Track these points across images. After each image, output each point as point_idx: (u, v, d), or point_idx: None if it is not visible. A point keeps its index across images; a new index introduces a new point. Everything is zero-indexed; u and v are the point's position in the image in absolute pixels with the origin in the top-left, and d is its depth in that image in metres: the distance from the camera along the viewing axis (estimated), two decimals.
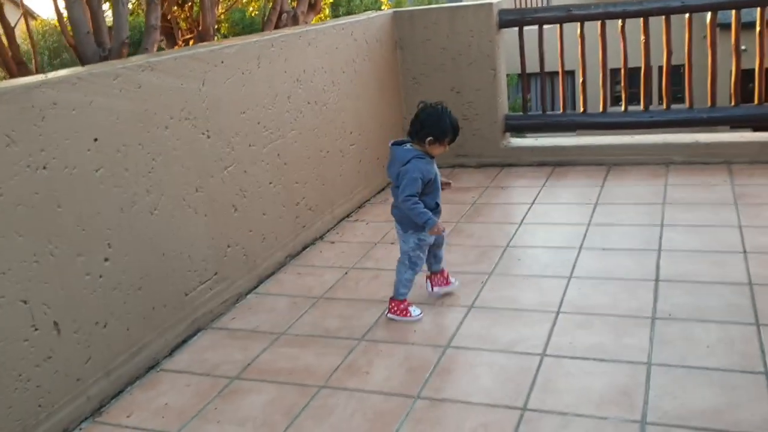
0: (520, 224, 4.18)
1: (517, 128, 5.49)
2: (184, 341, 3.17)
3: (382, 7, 13.79)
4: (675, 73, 5.06)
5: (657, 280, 3.23)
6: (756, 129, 6.18)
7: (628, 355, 2.66)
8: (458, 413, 2.44)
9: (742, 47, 5.59)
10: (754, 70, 4.76)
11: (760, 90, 4.79)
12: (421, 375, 2.70)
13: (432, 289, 3.32)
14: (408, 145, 3.05)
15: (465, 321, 3.09)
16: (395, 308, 3.16)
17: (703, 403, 2.33)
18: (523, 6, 18.34)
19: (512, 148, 5.43)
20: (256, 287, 3.65)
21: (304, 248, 4.12)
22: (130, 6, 9.56)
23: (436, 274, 3.32)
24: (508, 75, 5.68)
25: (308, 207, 4.18)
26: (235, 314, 3.39)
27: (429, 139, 2.97)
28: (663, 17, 4.85)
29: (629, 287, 3.20)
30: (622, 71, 5.07)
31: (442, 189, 3.17)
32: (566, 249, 3.70)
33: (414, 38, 5.36)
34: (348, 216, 4.63)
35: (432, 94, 5.37)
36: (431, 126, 2.97)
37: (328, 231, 4.38)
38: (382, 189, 5.12)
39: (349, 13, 13.13)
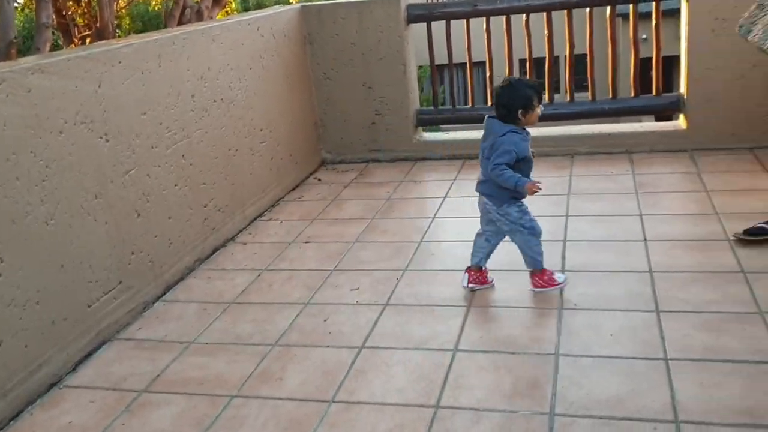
0: (433, 218, 4.21)
1: (428, 122, 5.52)
2: (89, 355, 3.03)
3: (291, 1, 13.57)
4: (580, 62, 5.20)
5: (563, 270, 3.32)
6: (658, 118, 6.45)
7: (537, 347, 2.72)
8: (372, 415, 2.43)
9: (643, 36, 5.82)
10: (652, 59, 4.97)
11: (658, 81, 5.00)
12: (336, 378, 2.68)
13: (468, 284, 3.19)
14: None
15: (380, 319, 3.08)
16: (539, 281, 3.10)
17: (607, 391, 2.41)
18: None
19: (425, 142, 5.46)
20: (163, 294, 3.53)
21: (215, 251, 4.02)
22: (21, 1, 9.04)
23: (477, 270, 3.21)
24: (421, 67, 5.71)
25: (217, 208, 4.07)
26: (142, 324, 3.26)
27: (520, 111, 2.93)
28: (565, 11, 4.98)
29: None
30: (528, 64, 5.18)
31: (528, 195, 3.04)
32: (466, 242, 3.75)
33: (323, 33, 5.31)
34: (261, 215, 4.55)
35: (343, 89, 5.37)
36: (514, 100, 2.93)
37: (239, 232, 4.29)
38: (296, 186, 5.06)
39: (259, 5, 12.85)
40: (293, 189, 5.03)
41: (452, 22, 5.26)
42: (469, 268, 3.21)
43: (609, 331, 2.78)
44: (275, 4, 12.88)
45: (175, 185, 3.68)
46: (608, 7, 4.99)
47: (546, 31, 5.09)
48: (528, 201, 4.25)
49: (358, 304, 3.25)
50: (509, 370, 2.60)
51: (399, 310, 3.15)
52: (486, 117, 3.08)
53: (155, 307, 3.43)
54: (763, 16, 2.43)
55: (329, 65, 5.37)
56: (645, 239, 3.55)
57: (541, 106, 2.99)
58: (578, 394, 2.40)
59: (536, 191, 2.95)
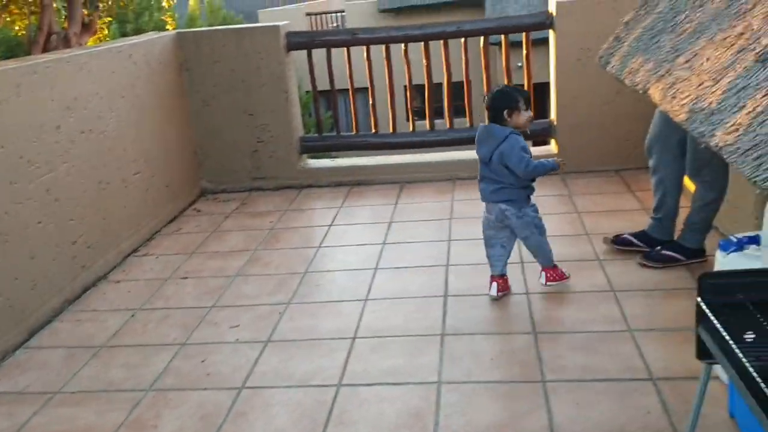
0: (319, 248, 4.16)
1: (312, 149, 5.48)
2: None
3: (167, 27, 13.22)
4: (459, 89, 5.33)
5: (446, 295, 3.36)
6: (534, 144, 6.67)
7: (421, 376, 2.72)
8: None
9: (518, 64, 6.06)
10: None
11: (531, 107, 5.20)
12: (215, 422, 2.56)
13: (498, 293, 3.27)
14: None
15: (261, 357, 2.98)
16: (553, 275, 3.26)
17: (489, 417, 2.43)
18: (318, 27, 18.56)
19: (309, 169, 5.41)
20: (26, 341, 3.28)
21: (85, 291, 3.78)
22: None
23: (500, 277, 3.29)
24: (308, 92, 5.65)
25: (87, 245, 3.84)
26: (0, 375, 3.00)
27: (506, 112, 3.07)
28: (441, 41, 5.11)
29: (421, 305, 3.29)
30: (407, 93, 5.27)
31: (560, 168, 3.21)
32: (363, 270, 3.74)
33: (201, 60, 5.17)
34: (135, 250, 4.33)
35: (223, 116, 5.25)
36: (501, 102, 3.10)
37: (112, 269, 4.06)
38: (173, 218, 4.87)
39: (138, 30, 12.40)
40: (171, 221, 4.84)
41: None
42: (493, 277, 3.29)
43: (489, 355, 2.81)
44: (154, 28, 12.56)
45: (39, 222, 3.43)
46: (482, 38, 5.16)
47: (424, 60, 5.19)
48: (414, 227, 4.31)
49: (238, 342, 3.14)
50: (392, 401, 2.58)
51: (281, 346, 3.06)
52: (480, 126, 3.21)
53: (16, 355, 3.17)
54: (620, 48, 2.57)
55: (208, 92, 5.23)
56: (522, 261, 3.65)
57: (528, 111, 3.14)
58: (460, 422, 2.41)
59: (563, 165, 3.22)
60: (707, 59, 1.69)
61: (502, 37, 5.12)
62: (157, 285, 3.82)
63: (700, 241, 3.45)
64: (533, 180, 3.20)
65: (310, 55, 5.28)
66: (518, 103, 3.11)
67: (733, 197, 3.40)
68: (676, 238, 3.52)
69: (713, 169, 3.27)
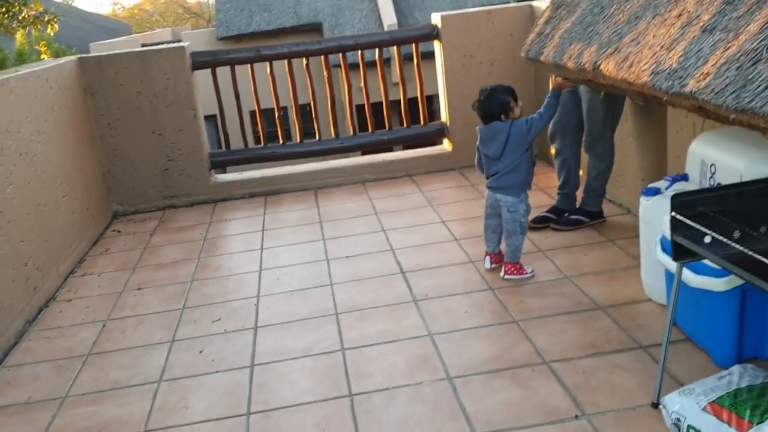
0: (262, 249, 4.40)
1: (222, 164, 5.67)
2: None
3: (42, 57, 12.51)
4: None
5: (402, 272, 3.77)
6: (404, 147, 7.15)
7: (412, 333, 3.11)
8: (295, 415, 2.60)
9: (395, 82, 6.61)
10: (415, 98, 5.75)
11: (424, 113, 5.77)
12: (242, 395, 2.78)
13: (491, 265, 3.67)
14: None
15: (257, 341, 3.21)
16: (512, 269, 3.53)
17: (484, 353, 2.87)
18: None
19: (221, 184, 5.60)
20: (2, 361, 3.25)
21: (40, 311, 3.76)
22: None
23: (494, 254, 3.67)
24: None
25: (36, 266, 3.82)
26: None
27: (502, 116, 3.39)
28: (340, 54, 5.56)
29: (384, 282, 3.68)
30: (312, 104, 5.63)
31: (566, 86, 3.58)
32: (316, 262, 4.06)
33: (105, 84, 5.21)
34: (72, 272, 4.32)
35: (131, 138, 5.32)
36: (493, 107, 3.41)
37: (58, 290, 4.05)
38: (97, 240, 4.87)
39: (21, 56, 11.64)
40: (95, 243, 4.83)
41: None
42: (487, 253, 3.70)
43: (463, 310, 3.26)
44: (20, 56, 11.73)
45: None
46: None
47: (325, 72, 5.60)
48: (345, 224, 4.69)
49: (227, 332, 3.34)
50: (398, 354, 2.94)
51: (271, 330, 3.32)
52: (480, 128, 3.50)
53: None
54: (550, 41, 3.15)
55: (114, 115, 5.28)
56: (456, 239, 4.16)
57: (519, 104, 3.45)
58: (462, 359, 2.83)
59: (565, 84, 3.54)
60: (653, 36, 2.27)
61: (394, 49, 5.65)
62: (114, 298, 3.88)
63: (599, 204, 4.15)
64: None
65: (214, 73, 5.49)
66: (510, 103, 3.40)
67: (617, 168, 4.13)
68: (578, 206, 4.20)
69: (604, 143, 3.99)
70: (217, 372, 2.99)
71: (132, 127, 5.31)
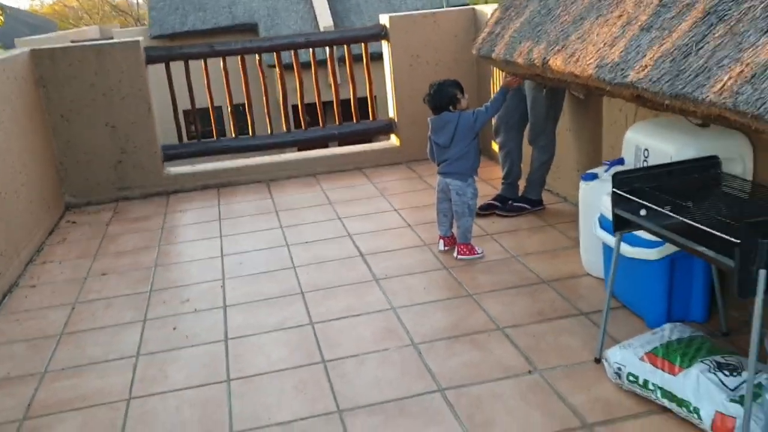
0: (221, 237, 4.55)
1: (175, 157, 5.77)
2: None
3: None
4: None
5: (362, 255, 4.01)
6: (340, 143, 7.36)
7: (376, 307, 3.35)
8: (274, 380, 2.80)
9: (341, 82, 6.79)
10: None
11: (373, 109, 6.03)
12: (219, 365, 2.95)
13: (445, 247, 3.94)
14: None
15: (228, 318, 3.38)
16: (465, 250, 3.80)
17: (444, 322, 3.14)
18: None
19: (175, 176, 5.70)
20: None
21: (5, 297, 3.82)
22: None
23: (446, 237, 3.94)
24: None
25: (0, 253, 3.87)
26: None
27: (450, 107, 3.68)
28: (291, 51, 5.75)
29: (344, 264, 3.91)
30: (264, 99, 5.80)
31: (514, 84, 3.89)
32: (277, 248, 4.24)
33: (58, 76, 5.24)
34: (32, 260, 4.37)
35: (85, 130, 5.37)
36: (442, 100, 3.70)
37: (20, 276, 4.10)
38: (52, 230, 4.91)
39: None
40: (51, 233, 4.87)
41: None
42: (441, 236, 3.96)
43: (422, 287, 3.52)
44: None
45: None
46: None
47: (278, 69, 5.79)
48: (301, 213, 4.88)
49: (198, 311, 3.50)
50: (366, 325, 3.17)
51: (240, 308, 3.49)
52: (431, 118, 3.78)
53: None
54: (500, 39, 3.44)
55: (67, 107, 5.31)
56: (409, 225, 4.42)
57: (466, 96, 3.73)
58: (425, 328, 3.09)
59: (513, 82, 3.86)
60: (597, 35, 2.59)
61: (345, 48, 5.89)
62: (79, 283, 3.97)
63: (539, 192, 4.50)
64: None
65: (168, 67, 5.60)
66: (456, 95, 3.71)
67: (555, 161, 4.48)
68: (520, 194, 4.53)
69: (547, 136, 4.33)
70: (192, 346, 3.15)
71: (85, 119, 5.36)
